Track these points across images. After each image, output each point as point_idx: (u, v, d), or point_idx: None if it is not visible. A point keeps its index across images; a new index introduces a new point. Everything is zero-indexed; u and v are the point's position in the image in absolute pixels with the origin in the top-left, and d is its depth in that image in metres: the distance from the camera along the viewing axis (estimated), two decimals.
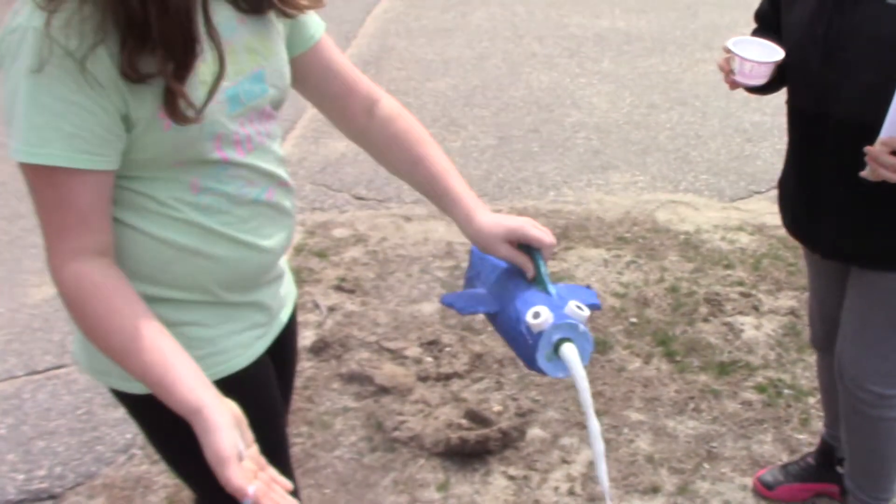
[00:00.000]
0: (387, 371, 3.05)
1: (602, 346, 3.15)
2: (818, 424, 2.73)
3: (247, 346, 1.46)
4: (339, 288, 3.60)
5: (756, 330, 3.23)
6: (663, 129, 5.25)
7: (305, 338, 3.22)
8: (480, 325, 3.31)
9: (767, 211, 4.23)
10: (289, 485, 1.12)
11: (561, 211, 4.25)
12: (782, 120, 5.26)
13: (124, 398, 1.42)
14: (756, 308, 3.37)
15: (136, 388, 1.38)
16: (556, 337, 1.17)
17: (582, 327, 1.18)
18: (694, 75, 6.14)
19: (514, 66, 6.35)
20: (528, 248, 1.30)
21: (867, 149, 1.67)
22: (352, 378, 3.03)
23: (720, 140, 5.06)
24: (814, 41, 1.84)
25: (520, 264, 1.30)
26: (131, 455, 2.73)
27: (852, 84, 1.79)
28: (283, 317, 1.57)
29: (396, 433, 2.76)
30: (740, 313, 3.34)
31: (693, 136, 5.12)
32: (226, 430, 1.08)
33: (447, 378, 3.02)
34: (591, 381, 2.90)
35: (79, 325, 1.21)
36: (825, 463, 2.42)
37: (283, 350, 1.64)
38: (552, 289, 1.24)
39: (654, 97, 5.75)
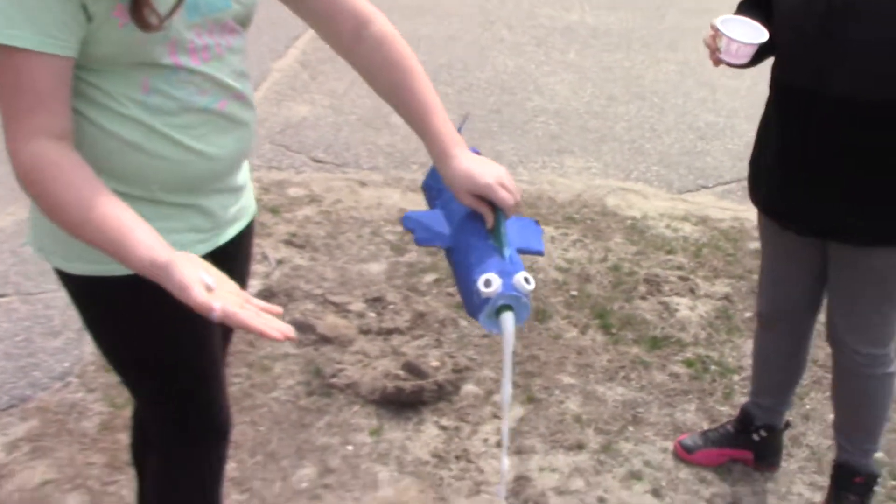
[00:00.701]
0: (329, 322, 3.10)
1: (542, 315, 3.24)
2: (740, 399, 2.85)
3: (185, 246, 1.49)
4: (289, 243, 3.64)
5: (690, 311, 3.35)
6: (621, 120, 5.36)
7: (252, 287, 3.26)
8: (425, 287, 3.38)
9: (712, 205, 4.36)
10: (279, 310, 1.17)
11: None
12: (735, 121, 5.44)
13: (69, 280, 1.47)
14: (692, 291, 3.48)
15: (79, 269, 1.44)
16: (500, 303, 1.25)
17: (524, 300, 1.26)
18: (655, 73, 6.27)
19: (481, 49, 6.43)
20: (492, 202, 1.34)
21: None
22: (294, 326, 3.06)
23: (674, 135, 5.18)
24: (812, 18, 1.89)
25: (481, 212, 1.34)
26: (67, 382, 2.76)
27: (853, 62, 1.84)
28: (232, 231, 1.62)
29: (334, 380, 2.82)
30: (677, 294, 3.45)
31: (648, 130, 5.24)
32: (189, 267, 1.14)
33: (388, 333, 3.08)
34: (528, 346, 3.01)
35: (38, 203, 1.26)
36: (743, 430, 2.53)
37: (230, 265, 1.68)
38: (507, 251, 1.30)
39: (614, 90, 5.87)
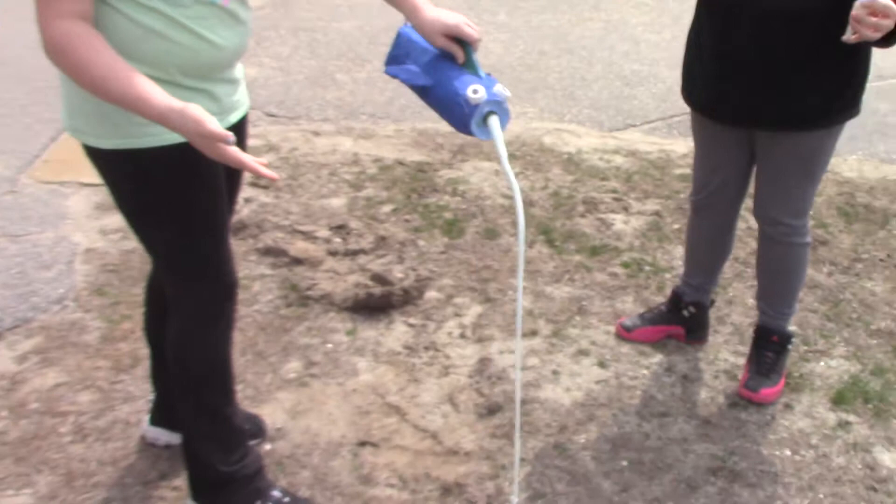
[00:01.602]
0: (300, 247, 3.38)
1: (492, 233, 3.57)
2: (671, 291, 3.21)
3: None
4: (253, 184, 3.90)
5: (625, 224, 3.71)
6: (552, 72, 5.71)
7: None
8: (384, 216, 3.68)
9: (640, 140, 4.74)
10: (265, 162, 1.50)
11: (457, 133, 4.63)
12: (657, 69, 5.85)
13: (100, 156, 1.74)
14: (626, 209, 3.85)
15: (110, 144, 1.71)
16: (486, 110, 1.54)
17: (505, 105, 1.56)
18: (581, 30, 6.64)
19: None
20: (459, 40, 1.66)
21: (853, 13, 1.99)
22: (267, 251, 3.36)
23: (602, 83, 5.55)
24: None
25: (453, 52, 1.66)
26: (65, 305, 2.99)
27: None
28: (233, 117, 1.90)
29: (309, 292, 3.11)
30: (612, 212, 3.81)
31: (578, 79, 5.61)
32: (201, 109, 1.45)
33: (354, 254, 3.38)
34: (482, 258, 3.33)
35: (67, 70, 1.52)
36: (674, 308, 2.90)
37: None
38: (482, 73, 1.61)
39: (544, 46, 6.22)
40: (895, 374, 2.82)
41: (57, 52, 1.50)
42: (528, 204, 3.85)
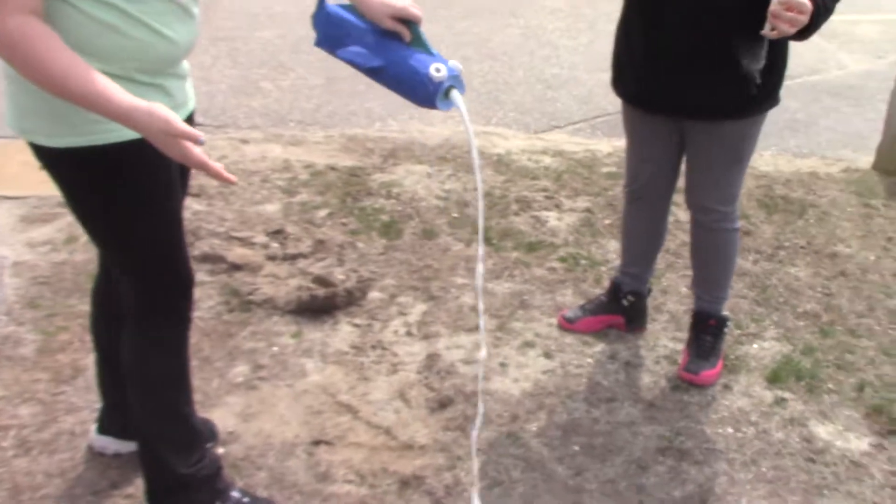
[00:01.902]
0: (237, 252, 3.35)
1: (430, 234, 3.60)
2: (608, 282, 3.30)
3: None
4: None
5: (558, 221, 3.79)
6: (476, 77, 5.79)
7: None
8: (321, 220, 3.67)
9: (566, 141, 4.84)
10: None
11: (387, 137, 4.66)
12: (576, 73, 5.99)
13: (52, 155, 1.70)
14: (558, 207, 3.93)
15: (65, 143, 1.67)
16: (447, 84, 1.63)
17: (461, 77, 1.65)
18: (502, 37, 6.75)
19: None
20: (404, 21, 1.70)
21: (770, 9, 2.09)
22: (205, 258, 3.31)
23: (525, 87, 5.65)
24: None
25: (399, 31, 1.70)
26: None
27: None
28: (183, 113, 1.89)
29: (251, 297, 3.08)
30: (545, 210, 3.88)
31: (502, 84, 5.70)
32: (167, 109, 1.44)
33: (293, 258, 3.36)
34: (422, 258, 3.36)
35: (21, 67, 1.48)
36: (613, 298, 2.97)
37: None
38: (434, 50, 1.69)
39: (467, 52, 6.30)
40: (823, 353, 2.95)
41: (9, 48, 1.46)
42: (463, 205, 3.89)
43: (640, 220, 2.86)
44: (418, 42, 1.70)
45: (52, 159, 1.73)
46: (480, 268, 1.77)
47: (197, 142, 1.47)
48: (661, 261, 3.48)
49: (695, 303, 2.84)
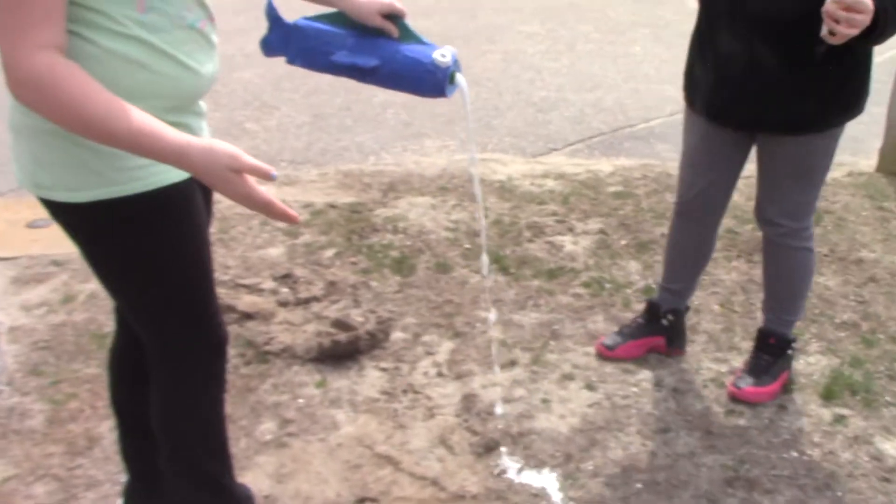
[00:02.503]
0: (247, 300, 3.18)
1: (444, 268, 3.44)
2: (638, 306, 3.16)
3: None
4: None
5: (574, 245, 3.65)
6: None
7: None
8: (328, 261, 3.50)
9: (566, 163, 4.73)
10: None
11: (383, 171, 4.52)
12: (564, 94, 5.90)
13: (72, 211, 1.53)
14: (571, 230, 3.80)
15: (89, 196, 1.51)
16: (451, 69, 1.63)
17: (458, 60, 1.67)
18: (483, 63, 6.66)
19: None
20: (391, 16, 1.71)
21: (824, 8, 1.98)
22: None
23: (515, 111, 5.55)
24: None
25: (387, 28, 1.71)
26: None
27: None
28: None
29: (268, 347, 2.91)
30: (559, 234, 3.75)
31: (492, 109, 5.59)
32: (231, 146, 1.30)
33: (306, 302, 3.19)
34: (440, 294, 3.21)
35: (54, 111, 1.30)
36: (652, 319, 2.85)
37: (205, 189, 1.80)
38: (426, 39, 1.69)
39: None
40: (872, 364, 2.83)
41: (39, 88, 1.29)
42: (473, 235, 3.75)
43: (689, 235, 2.74)
44: (408, 35, 1.71)
45: (76, 215, 1.56)
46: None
47: (268, 177, 1.31)
48: None
49: (762, 321, 2.72)
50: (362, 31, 1.73)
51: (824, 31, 2.05)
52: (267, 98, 5.65)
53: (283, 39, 1.78)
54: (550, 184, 4.37)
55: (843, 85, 2.31)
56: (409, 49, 1.68)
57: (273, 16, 1.80)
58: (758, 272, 3.35)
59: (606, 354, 2.83)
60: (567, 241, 3.68)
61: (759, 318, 3.06)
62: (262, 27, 1.79)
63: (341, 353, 2.85)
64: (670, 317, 2.81)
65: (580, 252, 3.59)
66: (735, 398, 2.61)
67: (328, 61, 1.72)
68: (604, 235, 3.76)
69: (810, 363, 2.84)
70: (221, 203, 4.08)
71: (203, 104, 1.73)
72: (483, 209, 1.53)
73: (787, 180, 2.47)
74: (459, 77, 1.67)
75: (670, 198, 4.19)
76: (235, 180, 1.29)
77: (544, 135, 5.15)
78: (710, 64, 2.40)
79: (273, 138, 4.99)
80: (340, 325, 2.98)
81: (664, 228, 3.82)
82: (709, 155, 2.58)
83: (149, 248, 1.60)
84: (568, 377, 2.75)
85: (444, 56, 1.64)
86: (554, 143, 5.04)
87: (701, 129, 2.58)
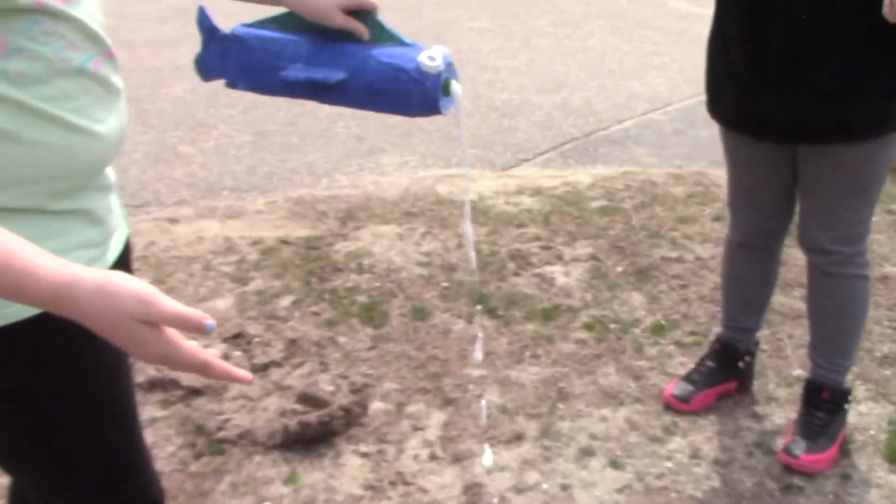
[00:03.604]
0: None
1: (422, 314, 2.97)
2: (651, 350, 2.74)
3: None
4: None
5: (566, 277, 3.21)
6: None
7: None
8: (285, 312, 3.01)
9: (539, 175, 4.29)
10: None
11: (339, 196, 4.02)
12: (528, 96, 5.45)
13: None
14: (560, 258, 3.35)
15: None
16: (445, 76, 1.23)
17: (453, 63, 1.26)
18: None
19: None
20: (358, 13, 1.29)
21: None
22: (152, 385, 2.62)
23: (477, 118, 5.09)
24: None
25: (354, 28, 1.27)
26: None
27: None
28: (117, 245, 1.26)
29: (222, 433, 2.40)
30: (547, 264, 3.30)
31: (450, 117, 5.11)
32: (140, 283, 0.84)
33: (264, 368, 2.69)
34: (422, 348, 2.74)
35: None
36: (727, 363, 2.46)
37: None
38: (407, 39, 1.28)
39: None
40: None
41: None
42: (450, 269, 3.28)
43: (753, 265, 2.38)
44: (383, 35, 1.29)
45: None
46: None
47: (201, 330, 0.84)
48: (701, 311, 2.94)
49: (810, 368, 2.31)
50: (322, 36, 1.30)
51: (886, 8, 1.66)
52: (201, 116, 5.09)
53: (221, 55, 1.32)
54: (527, 201, 3.92)
55: None
56: (386, 53, 1.26)
57: (207, 25, 1.34)
58: (782, 299, 2.95)
59: (682, 408, 2.43)
60: (557, 272, 3.23)
61: (791, 357, 2.67)
62: (191, 36, 1.31)
63: (312, 436, 2.37)
64: (748, 358, 2.46)
65: (574, 285, 3.15)
66: (790, 468, 2.19)
67: (279, 79, 1.29)
68: (596, 262, 3.32)
69: (862, 413, 2.44)
70: (156, 245, 3.55)
71: (110, 173, 1.24)
72: (475, 262, 1.14)
73: (841, 199, 2.06)
74: (455, 86, 1.27)
75: (661, 211, 3.78)
76: (148, 336, 0.84)
77: (512, 144, 4.69)
78: (740, 65, 2.00)
79: (211, 162, 4.44)
80: (308, 399, 2.49)
81: (662, 250, 3.40)
82: (752, 173, 2.20)
83: (33, 394, 1.11)
84: (587, 452, 2.30)
85: (433, 59, 1.22)
86: (524, 152, 4.59)
87: (737, 146, 2.19)
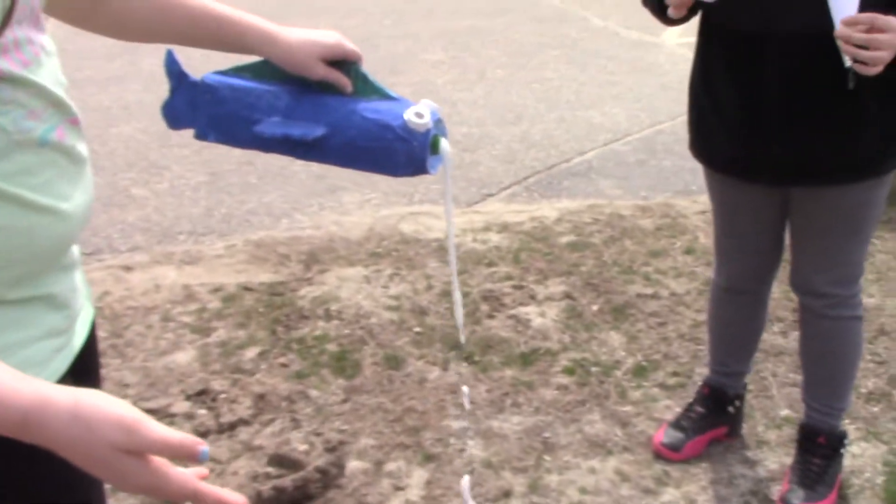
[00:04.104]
0: None
1: (395, 362, 2.85)
2: (635, 394, 2.66)
3: (41, 365, 1.03)
4: None
5: (542, 318, 3.12)
6: None
7: None
8: (251, 365, 2.87)
9: (504, 210, 4.21)
10: None
11: (300, 238, 3.90)
12: (487, 129, 5.39)
13: None
14: (533, 298, 3.27)
15: None
16: (433, 133, 1.16)
17: (442, 122, 1.19)
18: None
19: None
20: (341, 63, 1.21)
21: (836, 33, 1.61)
22: None
23: None
24: None
25: (336, 80, 1.19)
26: None
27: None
28: (82, 329, 1.13)
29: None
30: (521, 304, 3.21)
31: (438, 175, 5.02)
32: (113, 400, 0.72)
33: (232, 428, 2.55)
34: (398, 399, 2.62)
35: None
36: (716, 408, 2.40)
37: (88, 375, 1.19)
38: (393, 93, 1.20)
39: None
40: None
41: None
42: (421, 313, 3.17)
43: (741, 310, 2.31)
44: (367, 89, 1.20)
45: None
46: None
47: (193, 457, 0.73)
48: (681, 350, 2.87)
49: (804, 412, 2.24)
50: (300, 86, 1.20)
51: (848, 62, 1.66)
52: (154, 157, 4.93)
53: (191, 103, 1.23)
54: (495, 238, 3.84)
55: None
56: (371, 108, 1.17)
57: (175, 71, 1.24)
58: (762, 335, 2.89)
59: (673, 458, 2.34)
60: (532, 313, 3.14)
61: (777, 397, 2.60)
62: (140, 73, 1.19)
63: (287, 502, 2.23)
64: (737, 403, 2.40)
65: (550, 326, 3.06)
66: None
67: (252, 133, 1.19)
68: (571, 300, 3.24)
69: (855, 455, 2.38)
70: (110, 295, 3.39)
71: (76, 249, 1.11)
72: (462, 315, 1.07)
73: (837, 241, 2.01)
74: (444, 144, 1.19)
75: (631, 245, 3.72)
76: (131, 467, 0.73)
77: (475, 178, 4.61)
78: (730, 105, 1.93)
79: (166, 205, 4.28)
80: (281, 461, 2.36)
81: (637, 286, 3.33)
82: (740, 217, 2.13)
83: None
84: None
85: (420, 116, 1.14)
86: (487, 187, 4.51)
87: (724, 189, 2.12)
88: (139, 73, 6.64)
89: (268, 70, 1.23)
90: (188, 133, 1.25)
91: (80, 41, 7.50)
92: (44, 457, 0.78)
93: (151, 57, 7.02)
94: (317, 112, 1.19)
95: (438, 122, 1.18)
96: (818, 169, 1.90)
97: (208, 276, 3.54)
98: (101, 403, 0.72)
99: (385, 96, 1.20)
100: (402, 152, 1.15)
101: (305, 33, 1.20)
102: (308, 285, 3.41)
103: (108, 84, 6.24)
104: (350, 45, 1.21)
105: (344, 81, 1.19)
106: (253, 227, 4.03)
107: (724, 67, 1.93)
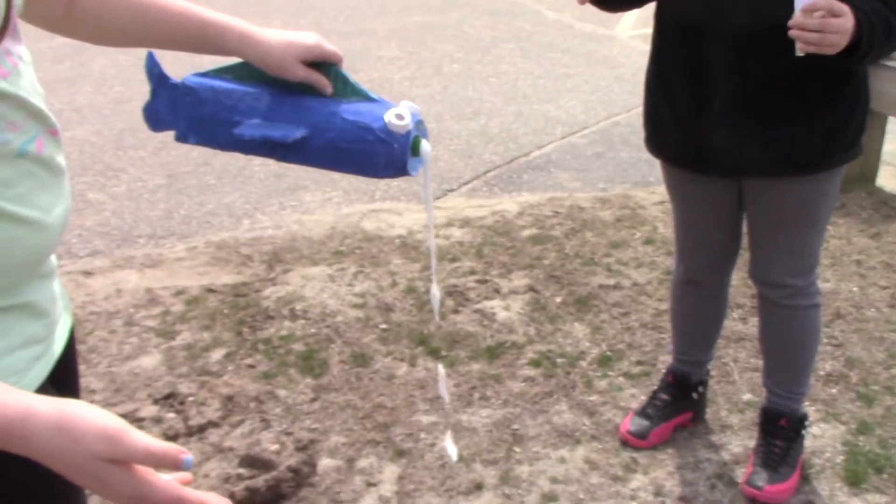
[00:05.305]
0: None
1: (363, 359, 2.86)
2: (600, 384, 2.70)
3: (22, 372, 1.02)
4: None
5: (507, 311, 3.15)
6: None
7: None
8: (218, 367, 2.86)
9: (466, 205, 4.24)
10: None
11: (262, 238, 3.88)
12: (445, 124, 5.41)
13: None
14: (498, 291, 3.29)
15: None
16: (414, 135, 1.16)
17: (423, 122, 1.20)
18: None
19: None
20: (320, 65, 1.20)
21: (791, 22, 1.62)
22: None
23: None
24: None
25: (315, 82, 1.18)
26: None
27: None
28: (61, 336, 1.13)
29: None
30: (486, 299, 3.24)
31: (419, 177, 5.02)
32: (97, 410, 0.74)
33: (201, 430, 2.54)
34: (366, 396, 2.63)
35: None
36: (681, 395, 2.44)
37: (68, 383, 1.19)
38: (373, 94, 1.19)
39: None
40: (882, 428, 2.46)
41: None
42: (387, 309, 3.19)
43: (702, 301, 2.36)
44: (347, 90, 1.20)
45: None
46: None
47: (177, 466, 0.73)
48: (645, 339, 2.92)
49: (765, 397, 2.29)
50: (281, 88, 1.21)
51: (799, 52, 1.69)
52: (109, 159, 4.87)
53: (171, 105, 1.22)
54: (457, 233, 3.86)
55: (850, 115, 1.93)
56: (351, 110, 1.17)
57: (156, 73, 1.22)
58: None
59: (639, 445, 2.38)
60: (497, 307, 3.17)
61: (738, 382, 2.66)
62: (90, 74, 1.19)
63: (261, 502, 2.23)
64: (701, 389, 2.45)
65: (515, 319, 3.09)
66: (756, 501, 2.16)
67: (232, 135, 1.19)
68: (535, 293, 3.27)
69: (816, 435, 2.44)
70: (72, 301, 3.34)
71: (53, 257, 1.11)
72: (438, 313, 1.09)
73: (791, 232, 2.06)
74: (425, 145, 1.18)
75: (591, 237, 3.76)
76: (115, 476, 0.73)
77: (435, 174, 4.63)
78: (682, 98, 1.97)
79: (124, 209, 4.24)
80: (252, 461, 2.36)
81: (599, 278, 3.38)
82: (697, 209, 2.17)
83: None
84: (550, 497, 2.23)
85: (401, 118, 1.13)
86: (448, 182, 4.53)
87: (680, 182, 2.16)
88: (89, 74, 6.55)
89: (249, 72, 1.23)
90: (144, 135, 1.26)
91: (26, 43, 7.40)
92: (21, 465, 0.79)
93: (101, 58, 6.94)
94: (297, 114, 1.19)
95: (419, 123, 1.18)
96: (766, 162, 1.94)
97: (170, 279, 3.51)
98: (84, 414, 0.73)
99: (365, 98, 1.20)
100: (383, 154, 1.15)
101: (285, 34, 1.19)
102: (272, 285, 3.41)
103: (59, 87, 6.15)
104: (330, 46, 1.20)
105: (324, 83, 1.19)
106: (214, 229, 4.01)
107: (675, 60, 1.96)
